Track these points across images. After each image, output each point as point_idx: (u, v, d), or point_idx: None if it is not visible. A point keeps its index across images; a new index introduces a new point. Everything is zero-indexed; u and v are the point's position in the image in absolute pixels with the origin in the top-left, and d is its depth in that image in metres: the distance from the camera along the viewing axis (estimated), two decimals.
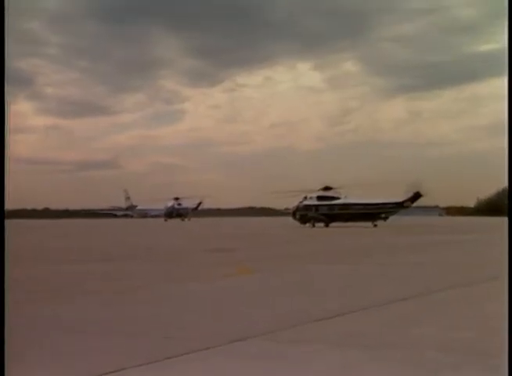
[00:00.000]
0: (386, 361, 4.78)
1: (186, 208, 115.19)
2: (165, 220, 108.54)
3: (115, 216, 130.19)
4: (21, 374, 4.49)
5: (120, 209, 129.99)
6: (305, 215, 57.30)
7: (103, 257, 17.55)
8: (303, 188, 60.26)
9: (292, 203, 60.41)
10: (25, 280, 10.70)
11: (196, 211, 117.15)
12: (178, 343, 5.46)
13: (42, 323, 6.56)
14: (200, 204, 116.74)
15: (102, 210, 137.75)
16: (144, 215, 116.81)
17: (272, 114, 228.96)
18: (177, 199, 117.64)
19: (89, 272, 12.85)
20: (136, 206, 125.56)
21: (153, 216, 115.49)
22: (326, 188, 58.82)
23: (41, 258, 17.47)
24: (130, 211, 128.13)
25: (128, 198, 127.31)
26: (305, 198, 58.41)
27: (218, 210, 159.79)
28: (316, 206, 57.07)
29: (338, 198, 57.53)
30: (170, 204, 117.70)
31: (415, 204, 56.00)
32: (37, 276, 12.03)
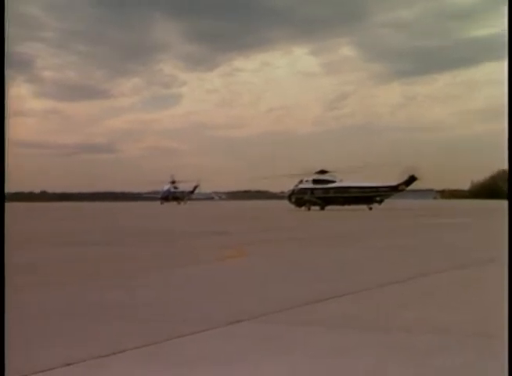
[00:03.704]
0: (381, 344, 4.93)
1: (183, 192, 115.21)
2: (161, 203, 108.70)
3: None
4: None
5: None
6: (301, 198, 57.55)
7: (101, 240, 17.66)
8: (299, 171, 60.38)
9: (288, 186, 60.61)
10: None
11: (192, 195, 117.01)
12: (174, 326, 5.59)
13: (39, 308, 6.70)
14: (196, 187, 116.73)
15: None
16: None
17: (269, 99, 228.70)
18: (173, 182, 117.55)
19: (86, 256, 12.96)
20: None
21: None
22: (322, 171, 59.00)
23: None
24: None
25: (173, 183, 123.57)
26: (301, 182, 58.62)
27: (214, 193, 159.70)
28: (312, 189, 57.28)
29: (334, 182, 57.75)
30: (166, 187, 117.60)
31: (409, 187, 56.23)
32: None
